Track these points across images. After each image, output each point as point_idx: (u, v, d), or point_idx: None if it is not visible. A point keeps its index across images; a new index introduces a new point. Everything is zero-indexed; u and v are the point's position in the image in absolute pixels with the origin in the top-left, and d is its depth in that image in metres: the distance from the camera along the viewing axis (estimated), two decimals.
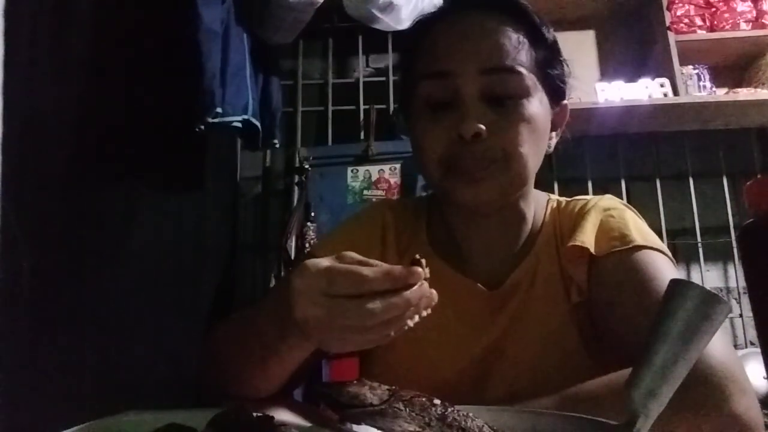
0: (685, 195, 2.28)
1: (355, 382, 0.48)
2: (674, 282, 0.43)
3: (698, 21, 2.25)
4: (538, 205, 0.80)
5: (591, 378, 0.60)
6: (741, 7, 2.25)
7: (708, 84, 2.26)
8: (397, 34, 2.09)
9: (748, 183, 0.51)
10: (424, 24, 0.77)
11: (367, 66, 2.39)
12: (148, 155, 1.35)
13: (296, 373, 0.63)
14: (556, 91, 0.76)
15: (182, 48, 1.43)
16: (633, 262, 0.69)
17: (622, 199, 0.91)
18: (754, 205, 0.49)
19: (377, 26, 2.04)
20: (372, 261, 0.51)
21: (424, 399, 0.46)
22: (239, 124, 1.60)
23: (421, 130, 0.73)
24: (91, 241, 1.15)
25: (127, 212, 1.37)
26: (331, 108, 2.31)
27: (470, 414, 0.45)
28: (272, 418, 0.46)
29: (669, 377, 0.40)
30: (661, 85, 2.14)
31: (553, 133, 0.78)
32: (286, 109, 2.24)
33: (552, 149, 0.79)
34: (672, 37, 2.18)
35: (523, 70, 0.70)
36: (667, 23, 2.21)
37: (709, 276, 2.23)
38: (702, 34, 2.23)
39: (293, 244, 1.98)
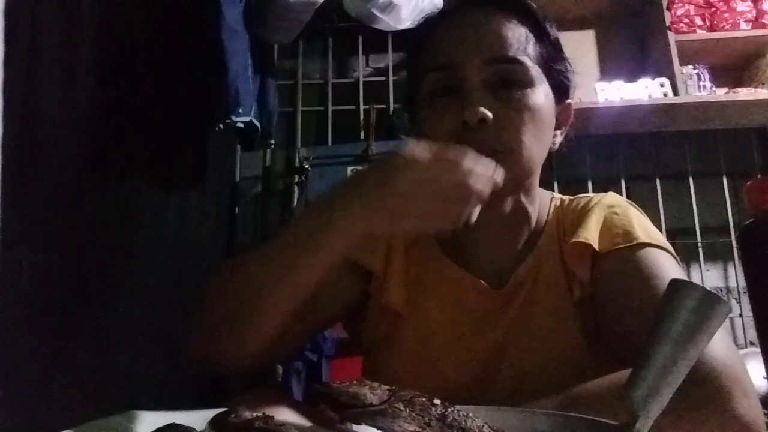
0: (685, 195, 2.27)
1: (355, 382, 0.48)
2: (674, 282, 0.43)
3: (698, 21, 2.25)
4: (542, 203, 0.80)
5: (592, 376, 0.60)
6: (741, 7, 2.25)
7: (708, 84, 2.25)
8: (397, 34, 2.09)
9: (748, 183, 0.51)
10: (429, 23, 0.77)
11: (367, 66, 2.39)
12: (148, 155, 1.35)
13: (300, 317, 0.64)
14: (560, 87, 0.76)
15: (196, 48, 1.42)
16: (636, 260, 0.69)
17: None
18: (754, 205, 0.50)
19: (377, 26, 2.03)
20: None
21: (424, 399, 0.46)
22: (242, 125, 1.61)
23: (426, 119, 0.72)
24: (90, 241, 1.15)
25: (127, 212, 1.37)
26: (331, 108, 2.31)
27: (470, 414, 0.45)
28: (272, 417, 0.46)
29: (669, 377, 0.40)
30: (661, 85, 2.14)
31: (558, 132, 0.78)
32: (286, 109, 2.24)
33: (556, 147, 0.78)
34: (672, 37, 2.18)
35: (527, 60, 0.71)
36: (667, 23, 2.21)
37: (709, 276, 2.23)
38: (702, 34, 2.23)
39: None
